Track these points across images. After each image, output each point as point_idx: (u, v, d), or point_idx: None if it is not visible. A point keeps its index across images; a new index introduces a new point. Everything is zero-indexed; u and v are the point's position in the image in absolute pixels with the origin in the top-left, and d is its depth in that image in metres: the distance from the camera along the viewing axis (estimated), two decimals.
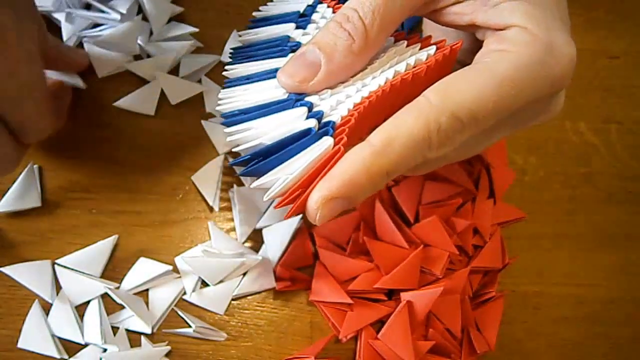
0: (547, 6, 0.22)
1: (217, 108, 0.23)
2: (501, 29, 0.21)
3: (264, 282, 0.33)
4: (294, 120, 0.20)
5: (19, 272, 0.31)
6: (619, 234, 0.38)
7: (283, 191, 0.20)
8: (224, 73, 0.24)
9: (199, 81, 0.36)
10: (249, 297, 0.33)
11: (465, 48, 0.24)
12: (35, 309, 0.30)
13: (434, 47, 0.23)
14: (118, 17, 0.34)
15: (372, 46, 0.21)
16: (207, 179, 0.34)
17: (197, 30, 0.37)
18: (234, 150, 0.21)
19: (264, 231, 0.34)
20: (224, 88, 0.24)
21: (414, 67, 0.22)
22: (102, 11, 0.35)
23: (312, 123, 0.20)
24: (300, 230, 0.34)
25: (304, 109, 0.20)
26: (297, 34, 0.24)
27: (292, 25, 0.25)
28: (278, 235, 0.34)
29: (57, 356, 0.30)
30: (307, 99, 0.21)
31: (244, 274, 0.33)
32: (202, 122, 0.35)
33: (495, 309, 0.34)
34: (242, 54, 0.25)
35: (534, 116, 0.24)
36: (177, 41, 0.36)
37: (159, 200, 0.34)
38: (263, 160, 0.20)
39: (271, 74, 0.22)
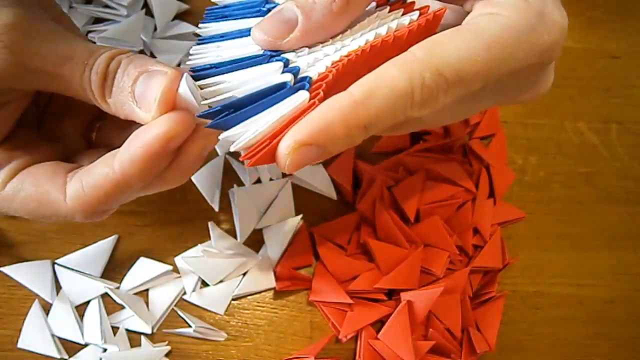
0: None
1: (187, 63, 0.22)
2: None
3: (264, 282, 0.33)
4: (269, 75, 0.20)
5: (19, 272, 0.31)
6: (619, 234, 0.38)
7: (251, 143, 0.19)
8: (197, 31, 0.23)
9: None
10: (249, 297, 0.33)
11: (451, 22, 0.24)
12: (35, 309, 0.30)
13: (417, 13, 0.23)
14: (124, 12, 0.34)
15: (352, 7, 0.21)
16: (207, 179, 0.34)
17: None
18: (204, 103, 0.20)
19: (264, 231, 0.34)
20: (195, 45, 0.23)
21: (396, 31, 0.22)
22: (107, 6, 0.35)
23: (288, 77, 0.19)
24: (300, 230, 0.34)
25: (280, 64, 0.20)
26: None
27: None
28: (278, 235, 0.34)
29: (57, 356, 0.30)
30: (283, 55, 0.20)
31: (244, 274, 0.33)
32: None
33: (495, 309, 0.34)
34: (217, 13, 0.24)
35: (522, 88, 0.24)
36: (180, 40, 0.36)
37: (159, 200, 0.34)
38: (234, 113, 0.19)
39: (247, 32, 0.22)
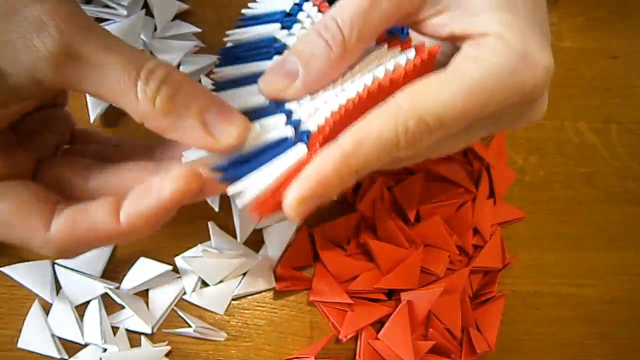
0: (527, 16, 0.22)
1: None
2: (479, 37, 0.22)
3: (264, 282, 0.33)
4: (273, 127, 0.21)
5: (19, 272, 0.31)
6: (619, 234, 0.38)
7: (255, 198, 0.20)
8: (212, 76, 0.25)
9: (199, 81, 0.36)
10: (249, 297, 0.33)
11: (448, 54, 0.24)
12: (35, 309, 0.30)
13: (413, 51, 0.23)
14: (124, 12, 0.34)
15: (350, 55, 0.22)
16: None
17: (200, 30, 0.37)
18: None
19: (264, 231, 0.34)
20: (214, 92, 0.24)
21: (392, 72, 0.22)
22: (107, 6, 0.35)
23: (289, 131, 0.21)
24: (300, 230, 0.34)
25: (283, 117, 0.21)
26: (282, 35, 0.25)
27: (278, 25, 0.25)
28: (278, 235, 0.34)
29: (57, 356, 0.30)
30: (287, 105, 0.22)
31: (244, 274, 0.33)
32: None
33: (495, 309, 0.34)
34: (230, 55, 0.25)
35: (512, 120, 0.24)
36: (180, 40, 0.36)
37: None
38: (239, 167, 0.20)
39: (256, 78, 0.23)
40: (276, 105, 0.22)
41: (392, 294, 0.33)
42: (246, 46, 0.25)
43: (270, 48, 0.24)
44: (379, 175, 0.35)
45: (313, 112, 0.22)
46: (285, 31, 0.25)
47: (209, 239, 0.33)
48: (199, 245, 0.33)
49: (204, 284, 0.32)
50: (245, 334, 0.32)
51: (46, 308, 0.31)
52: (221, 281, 0.32)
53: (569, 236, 0.38)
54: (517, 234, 0.37)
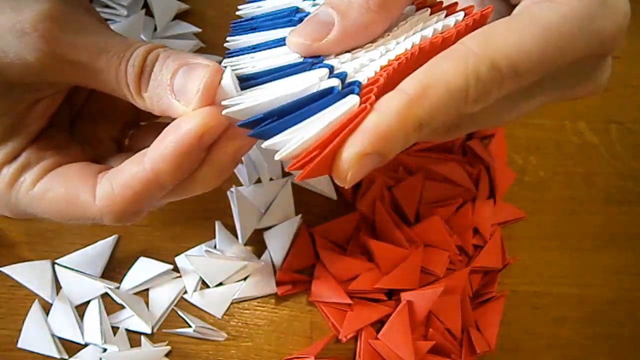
0: None
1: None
2: None
3: (265, 287, 0.33)
4: (314, 82, 0.18)
5: (19, 272, 0.31)
6: (619, 234, 0.38)
7: (298, 151, 0.17)
8: (226, 44, 0.22)
9: None
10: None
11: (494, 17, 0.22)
12: (35, 309, 0.30)
13: (462, 13, 0.21)
14: (124, 12, 0.34)
15: (390, 5, 0.20)
16: None
17: (200, 30, 0.37)
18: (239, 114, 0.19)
19: (265, 235, 0.34)
20: (225, 58, 0.22)
21: (442, 32, 0.20)
22: (107, 6, 0.35)
23: (335, 82, 0.18)
24: (301, 231, 0.34)
25: (325, 70, 0.18)
26: (306, 5, 0.22)
27: None
28: (280, 237, 0.33)
29: (57, 356, 0.30)
30: (326, 62, 0.19)
31: (245, 278, 0.33)
32: None
33: (495, 309, 0.34)
34: (245, 26, 0.23)
35: (577, 83, 0.22)
36: (180, 40, 0.36)
37: None
38: (277, 120, 0.17)
39: (281, 42, 0.20)
40: (313, 61, 0.19)
41: (392, 294, 0.33)
42: (263, 18, 0.23)
43: (292, 17, 0.22)
44: (379, 174, 0.35)
45: (359, 69, 0.19)
46: (308, 2, 0.22)
47: (209, 239, 0.33)
48: (202, 245, 0.33)
49: (205, 285, 0.32)
50: (245, 334, 0.32)
51: (46, 308, 0.31)
52: (221, 283, 0.32)
53: (569, 236, 0.38)
54: (517, 234, 0.37)
